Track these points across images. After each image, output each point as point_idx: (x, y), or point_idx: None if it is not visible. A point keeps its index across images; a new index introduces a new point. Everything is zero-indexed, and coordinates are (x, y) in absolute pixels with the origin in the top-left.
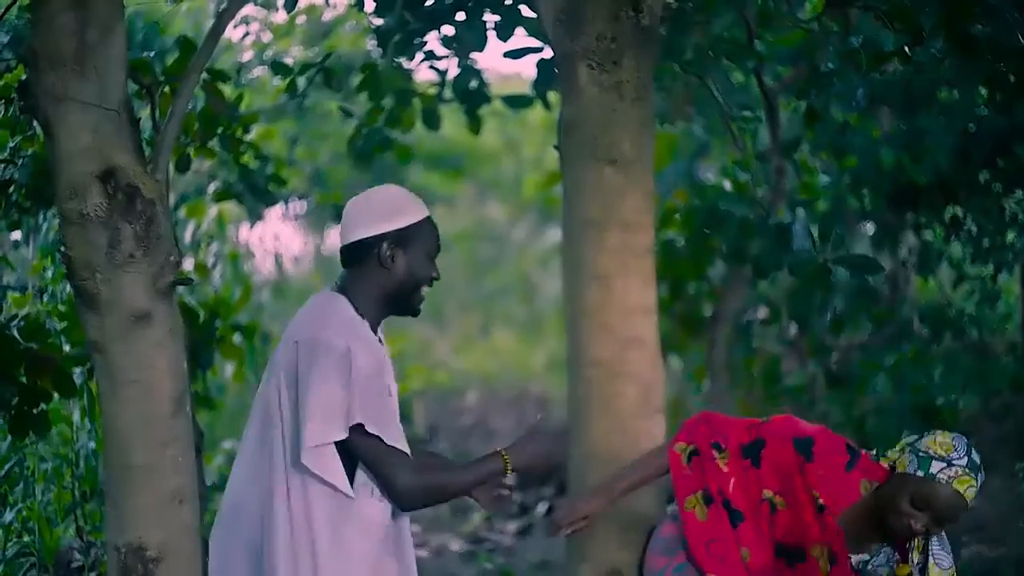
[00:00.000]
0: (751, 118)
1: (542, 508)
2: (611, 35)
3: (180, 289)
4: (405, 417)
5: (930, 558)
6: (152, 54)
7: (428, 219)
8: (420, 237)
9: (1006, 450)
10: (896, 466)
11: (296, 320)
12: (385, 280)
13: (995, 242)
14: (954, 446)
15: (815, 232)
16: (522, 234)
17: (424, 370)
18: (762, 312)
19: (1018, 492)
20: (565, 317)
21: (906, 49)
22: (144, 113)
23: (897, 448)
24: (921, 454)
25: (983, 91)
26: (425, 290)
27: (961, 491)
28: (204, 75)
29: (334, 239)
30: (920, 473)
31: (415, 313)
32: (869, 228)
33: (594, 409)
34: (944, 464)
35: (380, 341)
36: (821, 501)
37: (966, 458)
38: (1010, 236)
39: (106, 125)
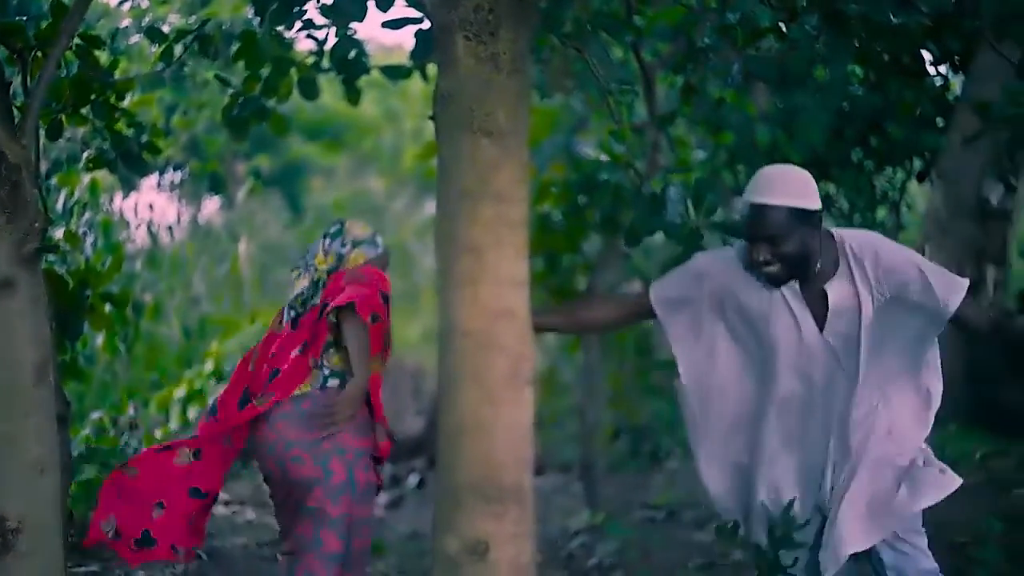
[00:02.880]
0: (628, 91)
1: (413, 480)
2: (488, 6)
3: (52, 258)
4: None
5: None
6: (26, 18)
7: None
8: None
9: None
10: None
11: None
12: None
13: (866, 219)
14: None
15: (689, 200)
16: (401, 206)
17: None
18: (636, 285)
19: None
20: (437, 288)
21: (781, 26)
22: (16, 79)
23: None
24: None
25: (858, 70)
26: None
27: None
28: (78, 40)
29: (209, 208)
30: None
31: None
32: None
33: (464, 380)
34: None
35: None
36: None
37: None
38: (881, 213)
39: None
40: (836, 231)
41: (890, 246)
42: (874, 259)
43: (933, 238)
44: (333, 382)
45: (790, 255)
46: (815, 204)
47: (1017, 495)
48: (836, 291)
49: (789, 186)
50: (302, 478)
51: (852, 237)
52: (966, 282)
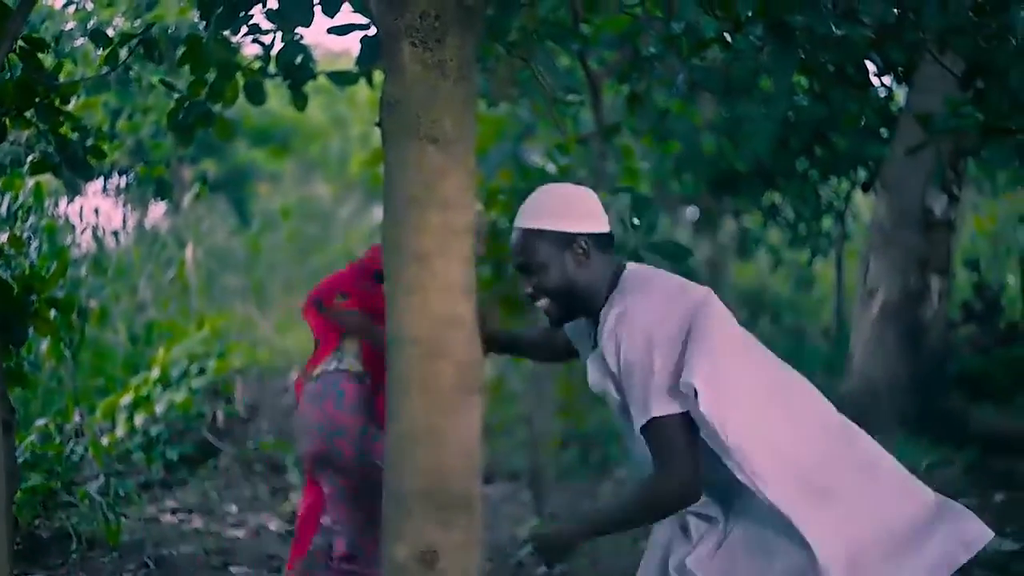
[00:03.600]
0: (574, 102)
1: None
2: (435, 13)
3: None
4: (225, 395)
5: None
6: None
7: None
8: None
9: None
10: None
11: None
12: None
13: (811, 228)
14: None
15: (628, 218)
16: (348, 212)
17: (246, 348)
18: None
19: None
20: (385, 296)
21: (726, 36)
22: None
23: None
24: None
25: (803, 81)
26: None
27: None
28: (21, 43)
29: (155, 213)
30: None
31: None
32: (691, 213)
33: (412, 387)
34: None
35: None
36: None
37: None
38: (826, 223)
39: None
40: (631, 273)
41: (641, 323)
42: (615, 340)
43: (877, 248)
44: (331, 364)
45: (551, 289)
46: (581, 227)
47: (963, 504)
48: (592, 367)
49: (547, 206)
50: (313, 454)
51: (627, 291)
52: (647, 418)
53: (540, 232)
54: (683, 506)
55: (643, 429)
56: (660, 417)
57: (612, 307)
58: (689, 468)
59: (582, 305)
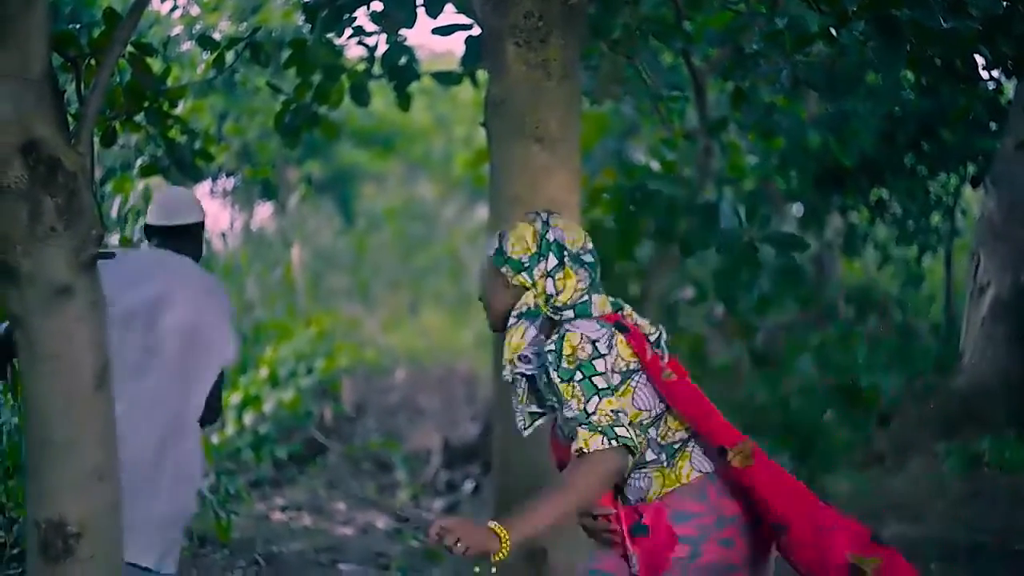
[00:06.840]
0: (679, 98)
1: (469, 486)
2: (538, 13)
3: None
4: (332, 394)
5: None
6: (78, 26)
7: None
8: None
9: (928, 431)
10: None
11: None
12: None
13: (920, 224)
14: None
15: (742, 211)
16: (452, 212)
17: (352, 348)
18: (689, 292)
19: (939, 472)
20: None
21: (831, 31)
22: (70, 87)
23: None
24: None
25: (910, 75)
26: None
27: None
28: (130, 48)
29: (262, 215)
30: None
31: None
32: (797, 209)
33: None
34: None
35: None
36: None
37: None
38: (935, 219)
39: (28, 97)
40: None
41: None
42: None
43: (987, 243)
44: None
45: None
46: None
47: None
48: None
49: None
50: None
51: None
52: None
53: None
54: None
55: None
56: None
57: None
58: None
59: None
